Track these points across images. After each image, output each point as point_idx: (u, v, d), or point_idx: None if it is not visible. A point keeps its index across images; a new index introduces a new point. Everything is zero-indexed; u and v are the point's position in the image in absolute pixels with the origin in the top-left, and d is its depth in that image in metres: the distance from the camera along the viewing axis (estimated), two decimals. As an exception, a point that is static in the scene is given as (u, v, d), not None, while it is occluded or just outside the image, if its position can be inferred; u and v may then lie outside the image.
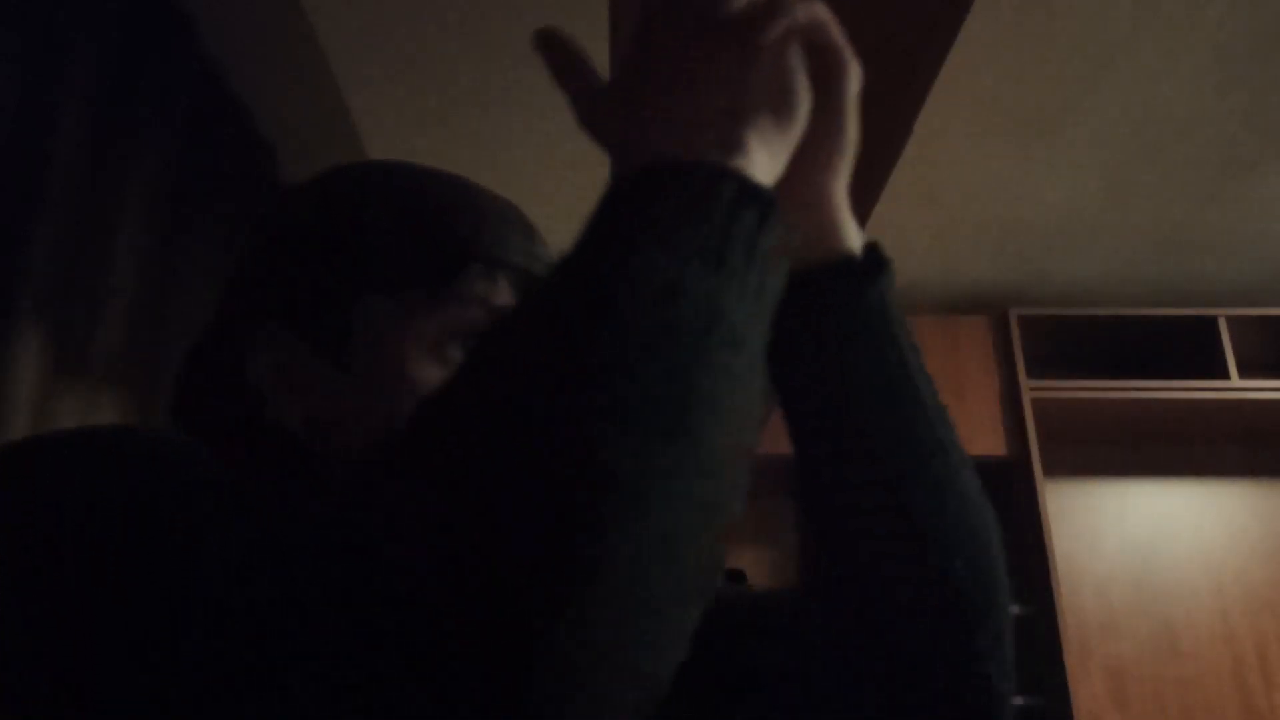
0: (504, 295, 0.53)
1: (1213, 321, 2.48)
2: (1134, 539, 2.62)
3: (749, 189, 0.36)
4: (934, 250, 2.50)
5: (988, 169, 2.16)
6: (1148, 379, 2.46)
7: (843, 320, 0.52)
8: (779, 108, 0.40)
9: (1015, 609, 2.26)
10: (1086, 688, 2.46)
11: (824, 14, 0.46)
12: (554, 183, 1.81)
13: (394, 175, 0.56)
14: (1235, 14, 1.70)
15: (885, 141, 1.20)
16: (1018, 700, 2.23)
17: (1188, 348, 2.55)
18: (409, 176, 0.56)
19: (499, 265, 0.53)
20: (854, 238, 0.54)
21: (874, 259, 0.54)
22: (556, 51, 0.46)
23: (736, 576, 2.42)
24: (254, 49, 1.68)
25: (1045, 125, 2.01)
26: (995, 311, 2.58)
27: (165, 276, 1.51)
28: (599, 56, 1.11)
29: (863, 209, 1.34)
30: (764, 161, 0.39)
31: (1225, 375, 2.42)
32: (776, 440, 2.63)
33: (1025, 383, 2.45)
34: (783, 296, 0.37)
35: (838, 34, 0.48)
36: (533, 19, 1.49)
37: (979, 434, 2.42)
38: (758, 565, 2.63)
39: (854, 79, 0.51)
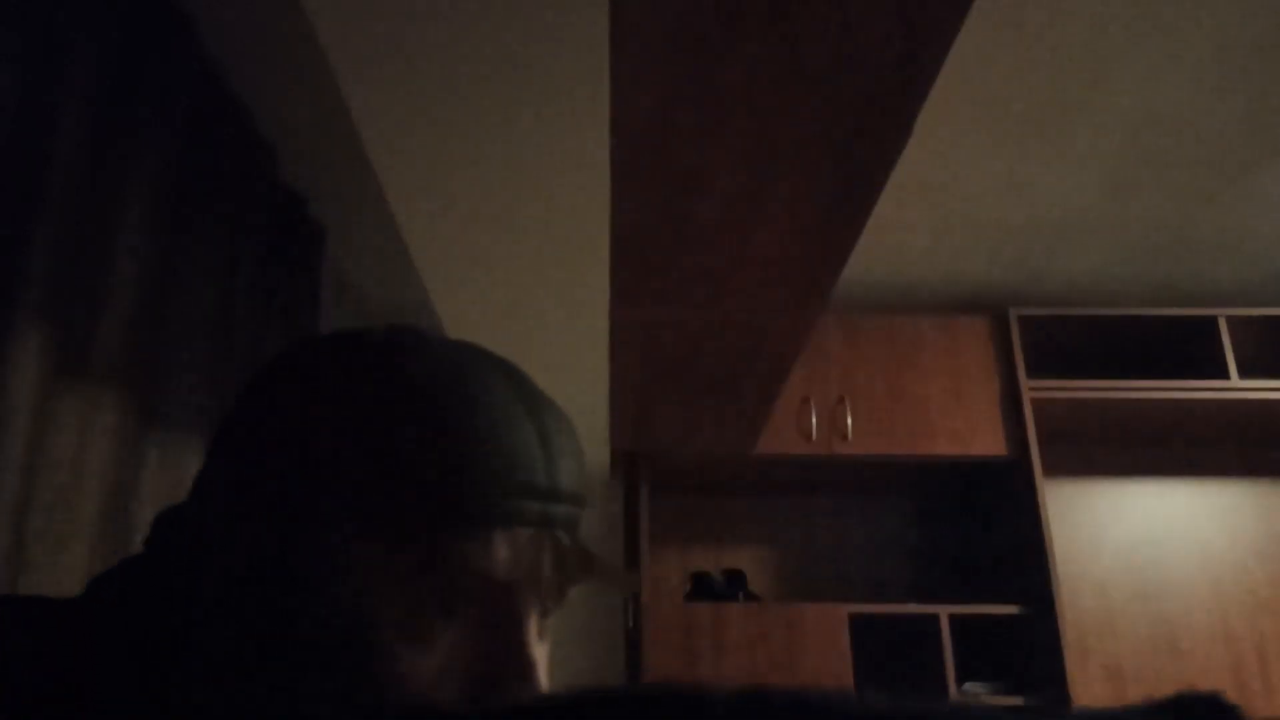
0: (497, 556, 0.48)
1: (1212, 321, 2.48)
2: (1133, 538, 2.62)
3: None
4: (934, 250, 2.51)
5: (988, 169, 2.16)
6: (1147, 379, 2.46)
7: None
8: None
9: (1015, 609, 2.28)
10: (1085, 687, 2.46)
11: None
12: (554, 181, 1.81)
13: (420, 401, 0.48)
14: (1235, 15, 1.70)
15: (885, 141, 1.21)
16: (1016, 699, 2.23)
17: (1187, 348, 2.55)
18: (430, 404, 0.48)
19: (493, 525, 0.48)
20: None
21: None
22: None
23: (736, 576, 2.42)
24: (254, 49, 1.68)
25: (1045, 125, 2.01)
26: (995, 311, 2.58)
27: (165, 276, 1.51)
28: (600, 55, 1.11)
29: (863, 209, 1.34)
30: None
31: (1225, 375, 2.42)
32: (776, 440, 2.62)
33: (1025, 383, 2.45)
34: None
35: None
36: (534, 19, 1.49)
37: (979, 434, 2.42)
38: (758, 565, 2.63)
39: None
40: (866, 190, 1.29)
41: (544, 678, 0.50)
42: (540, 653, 0.52)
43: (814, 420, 2.40)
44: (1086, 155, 2.12)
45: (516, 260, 1.55)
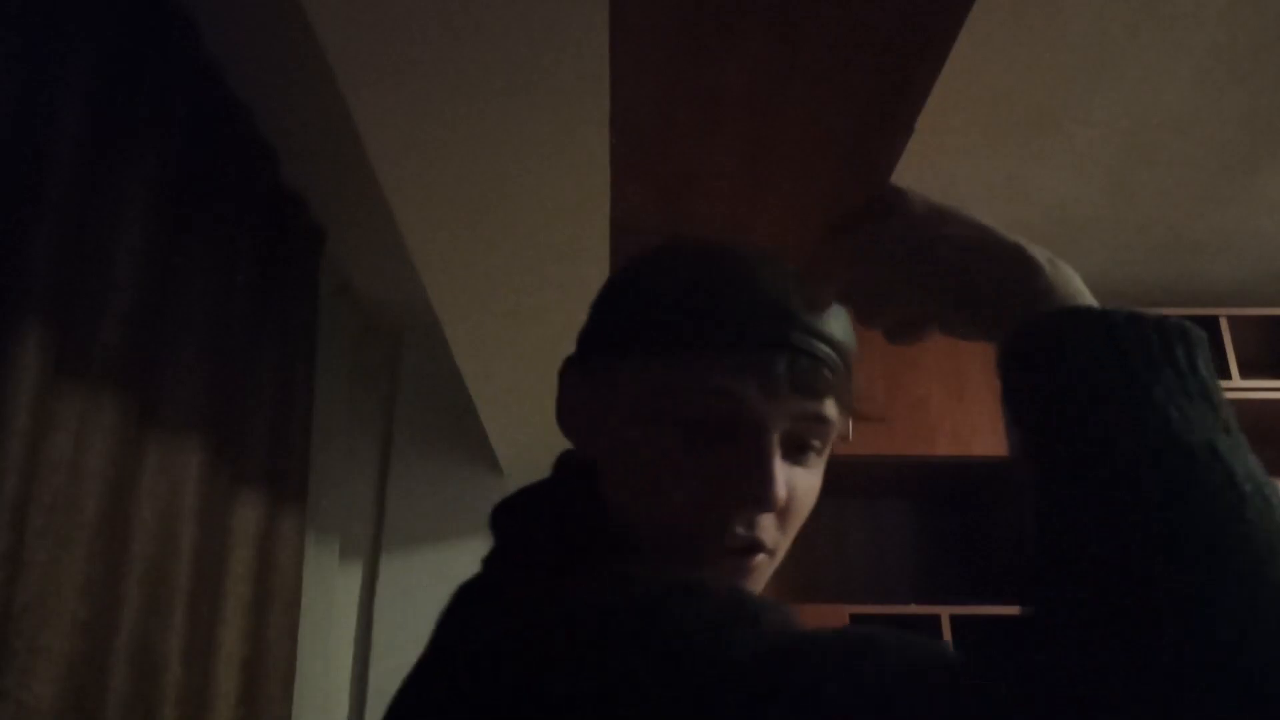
0: (732, 380, 0.57)
1: (1213, 321, 2.48)
2: (1135, 539, 2.61)
3: (1174, 325, 0.44)
4: (935, 250, 2.50)
5: (988, 168, 2.16)
6: (1149, 379, 2.45)
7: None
8: None
9: (1017, 610, 2.26)
10: (1088, 688, 2.45)
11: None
12: (554, 181, 1.80)
13: (688, 256, 0.62)
14: (1235, 13, 1.70)
15: (887, 141, 1.21)
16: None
17: (1189, 347, 2.54)
18: (699, 258, 0.61)
19: (727, 352, 0.57)
20: None
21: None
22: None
23: None
24: (254, 50, 1.68)
25: (1046, 124, 2.01)
26: (996, 311, 2.58)
27: (165, 276, 1.51)
28: (600, 54, 1.10)
29: (863, 208, 1.34)
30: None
31: (1226, 375, 2.41)
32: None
33: (1026, 383, 2.44)
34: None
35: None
36: (534, 19, 1.49)
37: (980, 433, 2.41)
38: (758, 565, 2.63)
39: None
40: (867, 190, 1.29)
41: (783, 495, 0.57)
42: (794, 475, 0.60)
43: (815, 420, 2.39)
44: (1087, 155, 2.11)
45: (516, 260, 1.54)
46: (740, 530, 0.58)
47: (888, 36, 1.00)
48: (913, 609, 2.27)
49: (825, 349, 0.59)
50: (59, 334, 1.24)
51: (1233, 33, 1.75)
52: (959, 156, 2.12)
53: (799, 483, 0.61)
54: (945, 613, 2.24)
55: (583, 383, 0.64)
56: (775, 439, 0.58)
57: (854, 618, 2.24)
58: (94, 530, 1.29)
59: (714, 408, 0.58)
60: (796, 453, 0.60)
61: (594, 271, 1.57)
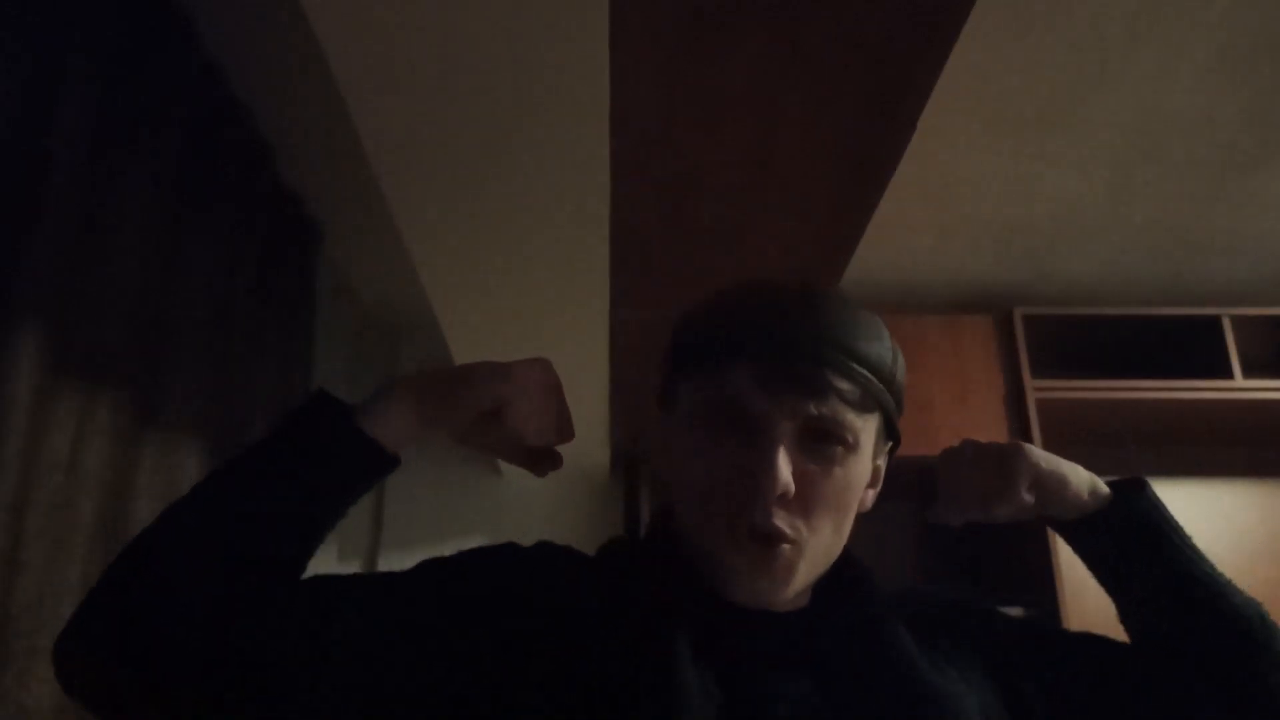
0: (743, 385, 0.67)
1: (1217, 321, 2.47)
2: (1138, 539, 2.61)
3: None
4: (938, 249, 2.50)
5: (991, 168, 2.15)
6: (1152, 379, 2.45)
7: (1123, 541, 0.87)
8: None
9: (1019, 609, 2.27)
10: (1090, 689, 2.45)
11: None
12: (554, 181, 1.80)
13: (730, 288, 0.74)
14: (1237, 13, 1.69)
15: (888, 140, 1.20)
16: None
17: (1192, 347, 2.53)
18: (736, 288, 0.73)
19: (739, 359, 0.68)
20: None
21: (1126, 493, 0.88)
22: None
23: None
24: (254, 50, 1.67)
25: (1048, 124, 2.00)
26: (999, 311, 2.57)
27: (164, 276, 1.51)
28: (600, 54, 1.09)
29: (866, 208, 1.33)
30: None
31: (1229, 375, 2.41)
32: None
33: (1029, 382, 2.44)
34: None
35: None
36: (534, 19, 1.48)
37: (982, 434, 2.40)
38: (760, 566, 2.63)
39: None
40: (868, 190, 1.29)
41: (785, 483, 0.65)
42: (810, 469, 0.68)
43: (816, 420, 2.39)
44: (1090, 154, 2.11)
45: (516, 261, 1.54)
46: (756, 519, 0.66)
47: (888, 36, 1.00)
48: (914, 609, 2.26)
49: (831, 353, 0.67)
50: (57, 333, 1.24)
51: (1235, 33, 1.74)
52: (960, 156, 2.11)
53: (817, 476, 0.68)
54: (947, 613, 2.24)
55: (661, 416, 0.77)
56: (778, 434, 0.66)
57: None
58: (92, 531, 1.28)
59: (729, 411, 0.68)
60: (816, 449, 0.68)
61: (594, 271, 1.56)
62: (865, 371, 0.69)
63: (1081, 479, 0.86)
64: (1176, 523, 0.86)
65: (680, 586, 0.69)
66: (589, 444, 2.59)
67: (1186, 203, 2.28)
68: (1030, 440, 2.38)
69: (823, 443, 0.68)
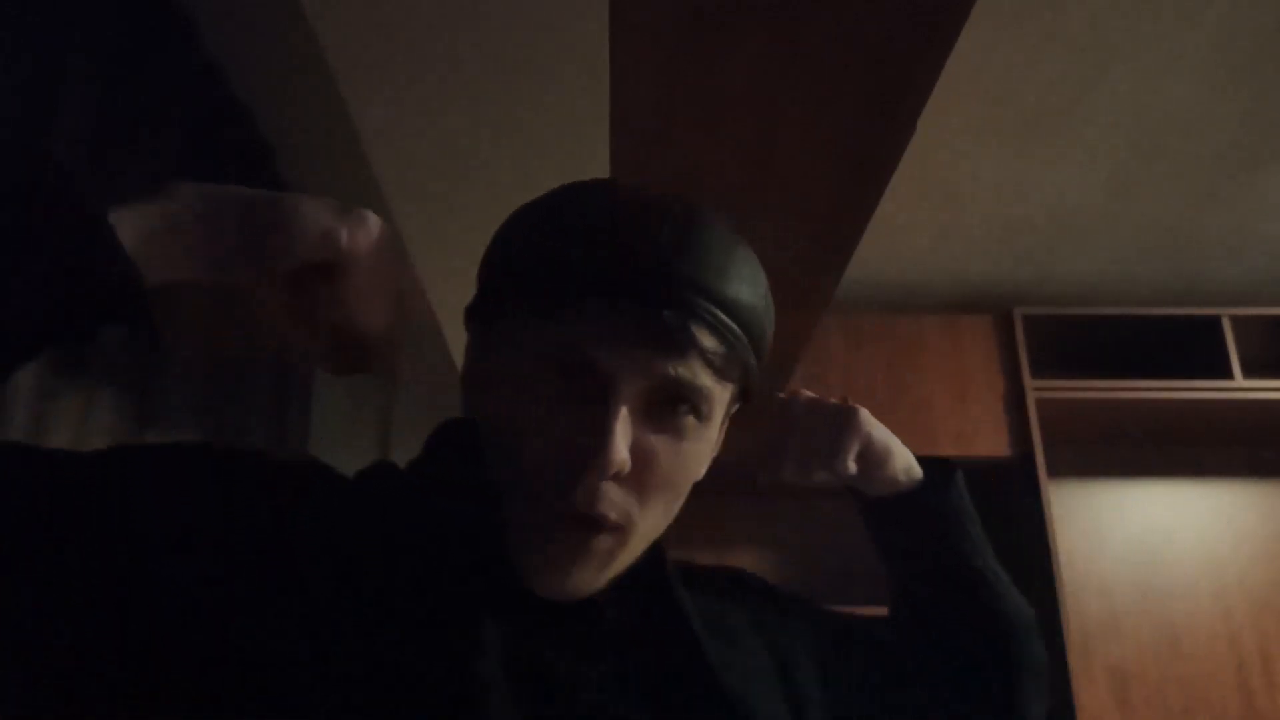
0: (588, 330, 0.53)
1: (1216, 321, 2.47)
2: (1137, 539, 2.61)
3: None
4: (938, 249, 2.50)
5: (991, 168, 2.15)
6: (1151, 379, 2.45)
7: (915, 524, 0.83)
8: None
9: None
10: (1089, 689, 2.45)
11: None
12: (554, 181, 1.80)
13: (568, 197, 0.59)
14: (1236, 13, 1.70)
15: (888, 140, 1.20)
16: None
17: (1191, 347, 2.54)
18: (586, 194, 0.58)
19: (587, 296, 0.53)
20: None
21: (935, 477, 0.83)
22: None
23: (737, 576, 2.42)
24: (255, 50, 1.67)
25: (1048, 124, 2.01)
26: (999, 311, 2.57)
27: (165, 277, 1.51)
28: (600, 53, 1.10)
29: (866, 207, 1.33)
30: None
31: (1229, 375, 2.41)
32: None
33: (1029, 382, 2.44)
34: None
35: None
36: (533, 19, 1.49)
37: (982, 434, 2.41)
38: (758, 565, 2.63)
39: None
40: (868, 190, 1.29)
41: (622, 458, 0.53)
42: (653, 441, 0.55)
43: (816, 420, 2.39)
44: (1090, 154, 2.11)
45: (517, 260, 1.54)
46: (580, 502, 0.53)
47: (888, 36, 1.00)
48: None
49: (700, 303, 0.54)
50: (58, 334, 1.24)
51: (1234, 33, 1.74)
52: (960, 157, 2.11)
53: (660, 449, 0.55)
54: (947, 613, 2.24)
55: (472, 343, 0.63)
56: (622, 396, 0.53)
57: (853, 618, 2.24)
58: (93, 531, 1.28)
59: (565, 359, 0.54)
60: (662, 416, 0.56)
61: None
62: (737, 329, 0.56)
63: (902, 456, 0.78)
64: (975, 515, 0.83)
65: (480, 560, 0.55)
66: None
67: (1186, 203, 2.29)
68: (1030, 441, 2.38)
69: (672, 410, 0.56)
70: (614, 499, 0.54)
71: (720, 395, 0.58)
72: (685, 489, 0.60)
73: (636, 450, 0.54)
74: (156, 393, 1.48)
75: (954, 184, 2.21)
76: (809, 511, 2.68)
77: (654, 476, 0.56)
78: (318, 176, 2.04)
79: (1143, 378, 2.50)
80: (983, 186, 2.22)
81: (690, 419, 0.56)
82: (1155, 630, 2.51)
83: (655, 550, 0.62)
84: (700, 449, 0.59)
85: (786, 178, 1.26)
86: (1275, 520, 2.62)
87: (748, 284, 0.57)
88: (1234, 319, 2.46)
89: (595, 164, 1.27)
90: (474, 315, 0.62)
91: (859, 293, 2.70)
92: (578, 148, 1.68)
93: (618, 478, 0.54)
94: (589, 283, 0.53)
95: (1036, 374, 2.53)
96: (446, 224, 1.44)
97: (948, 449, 2.39)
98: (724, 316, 0.55)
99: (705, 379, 0.55)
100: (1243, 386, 2.39)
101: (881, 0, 0.96)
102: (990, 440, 2.40)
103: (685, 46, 1.03)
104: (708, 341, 0.54)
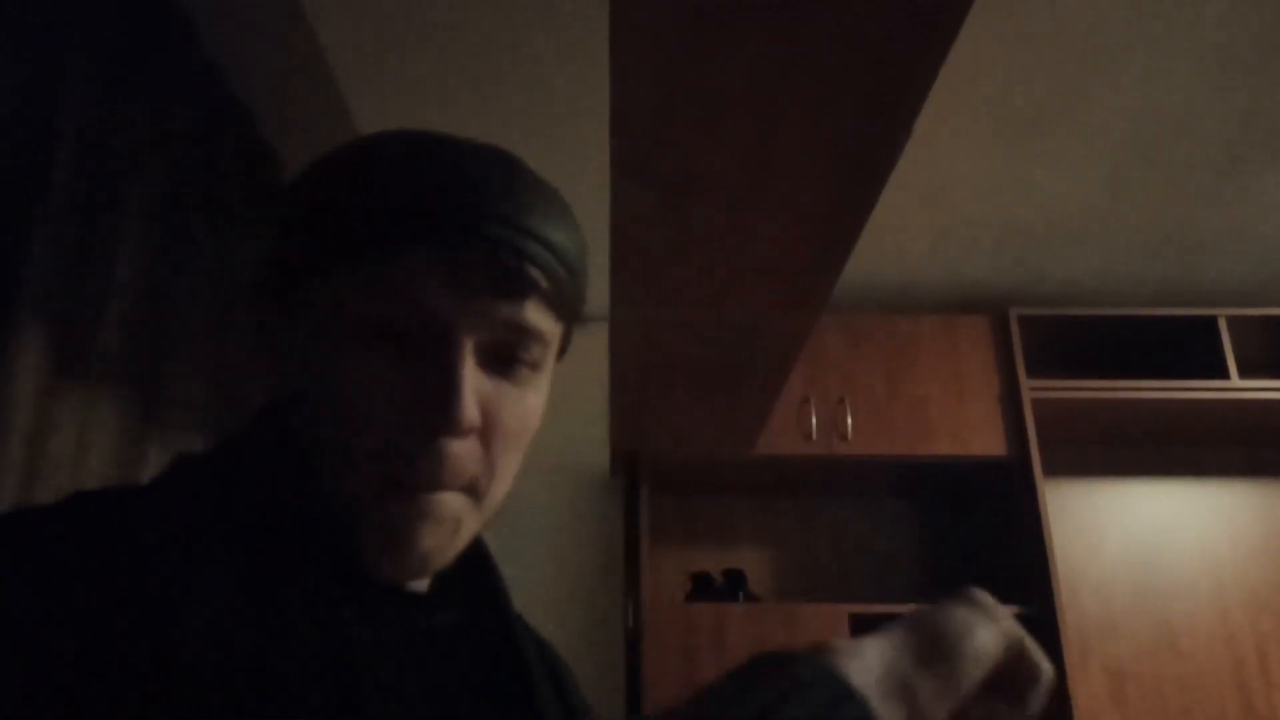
0: (421, 278, 0.49)
1: (1212, 321, 2.48)
2: (1134, 539, 2.62)
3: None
4: (934, 250, 2.51)
5: (987, 169, 2.16)
6: (1148, 379, 2.46)
7: None
8: None
9: (1015, 609, 2.27)
10: (1086, 688, 2.46)
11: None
12: (554, 181, 1.81)
13: (367, 147, 0.53)
14: (1235, 14, 1.70)
15: (887, 140, 1.21)
16: (1018, 700, 2.23)
17: (1188, 347, 2.55)
18: (375, 147, 0.53)
19: (418, 243, 0.49)
20: None
21: None
22: None
23: (736, 577, 2.42)
24: (255, 50, 1.68)
25: (1045, 125, 2.01)
26: (995, 311, 2.58)
27: (165, 277, 1.51)
28: (600, 54, 1.11)
29: (864, 207, 1.34)
30: None
31: (1225, 375, 2.42)
32: (776, 441, 2.60)
33: (1025, 382, 2.45)
34: None
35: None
36: (533, 19, 1.49)
37: (979, 434, 2.41)
38: (758, 565, 2.63)
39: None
40: (867, 189, 1.29)
41: (472, 415, 0.49)
42: (498, 392, 0.52)
43: (814, 420, 2.40)
44: (1086, 155, 2.12)
45: (516, 260, 1.54)
46: (427, 463, 0.49)
47: (888, 36, 1.01)
48: (912, 608, 2.27)
49: (533, 245, 0.51)
50: (60, 333, 1.24)
51: (1232, 33, 1.75)
52: (957, 157, 2.12)
53: (506, 402, 0.52)
54: (945, 613, 2.24)
55: (281, 313, 0.55)
56: (467, 348, 0.50)
57: (854, 618, 2.25)
58: (94, 530, 1.28)
59: (398, 311, 0.50)
60: (502, 366, 0.53)
61: (593, 272, 1.57)
62: (563, 269, 0.53)
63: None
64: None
65: (304, 548, 0.49)
66: (589, 444, 2.59)
67: (1183, 203, 2.29)
68: (1026, 440, 2.39)
69: (510, 359, 0.53)
70: (463, 460, 0.50)
71: (552, 340, 0.55)
72: (526, 446, 0.56)
73: (483, 405, 0.51)
74: (159, 392, 1.48)
75: (950, 185, 2.22)
76: (809, 511, 2.69)
77: (503, 431, 0.52)
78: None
79: (1139, 378, 2.51)
80: (979, 187, 2.23)
81: (527, 369, 0.54)
82: (1153, 630, 2.52)
83: (479, 544, 0.59)
84: (539, 402, 0.56)
85: (786, 178, 1.26)
86: (1272, 520, 2.63)
87: (568, 226, 0.55)
88: (1230, 319, 2.48)
89: (595, 164, 1.27)
90: (271, 282, 0.55)
91: (857, 293, 2.71)
92: (578, 147, 1.68)
93: (467, 436, 0.50)
94: (421, 227, 0.49)
95: (1032, 374, 2.54)
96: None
97: (944, 448, 2.40)
98: (552, 257, 0.53)
99: (544, 322, 0.53)
100: (1239, 386, 2.40)
101: (881, 1, 0.96)
102: (987, 440, 2.41)
103: (685, 46, 1.03)
104: (545, 282, 0.52)
